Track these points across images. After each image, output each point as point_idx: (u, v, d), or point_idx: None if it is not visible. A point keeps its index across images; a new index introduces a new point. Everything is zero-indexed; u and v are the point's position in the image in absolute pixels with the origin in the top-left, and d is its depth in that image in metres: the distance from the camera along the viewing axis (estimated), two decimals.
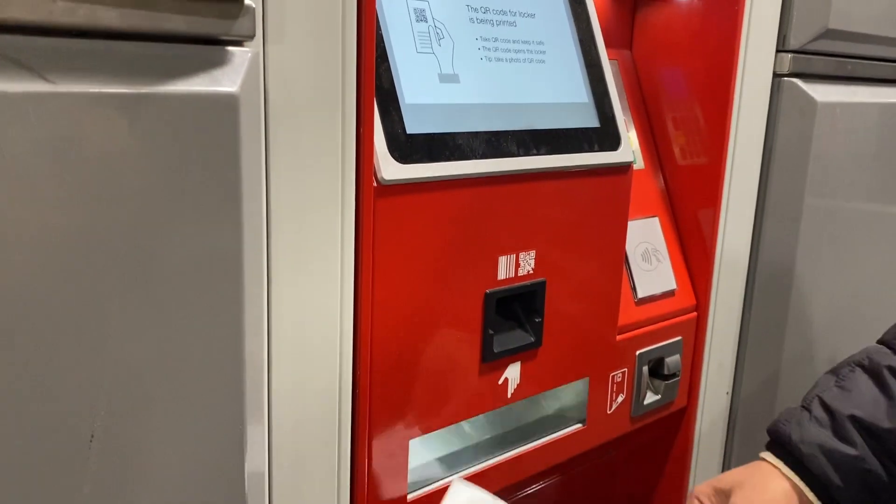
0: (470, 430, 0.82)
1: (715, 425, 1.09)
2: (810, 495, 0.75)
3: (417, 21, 0.68)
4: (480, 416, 0.77)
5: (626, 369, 0.92)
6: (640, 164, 1.00)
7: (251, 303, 0.51)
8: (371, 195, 0.60)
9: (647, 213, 0.98)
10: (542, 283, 0.77)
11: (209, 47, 0.47)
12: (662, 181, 1.03)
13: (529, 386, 0.80)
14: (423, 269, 0.66)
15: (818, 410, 0.77)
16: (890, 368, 0.77)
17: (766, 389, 1.11)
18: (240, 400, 0.52)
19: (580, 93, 0.80)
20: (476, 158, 0.68)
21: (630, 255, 0.93)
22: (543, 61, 0.77)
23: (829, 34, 1.04)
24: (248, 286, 0.51)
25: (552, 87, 0.78)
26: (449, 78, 0.69)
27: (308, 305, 0.58)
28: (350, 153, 0.58)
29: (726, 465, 1.12)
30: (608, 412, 0.91)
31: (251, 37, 0.48)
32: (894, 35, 1.15)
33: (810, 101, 1.02)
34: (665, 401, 0.99)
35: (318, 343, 0.59)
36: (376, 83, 0.61)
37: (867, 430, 0.74)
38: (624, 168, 0.83)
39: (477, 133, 0.69)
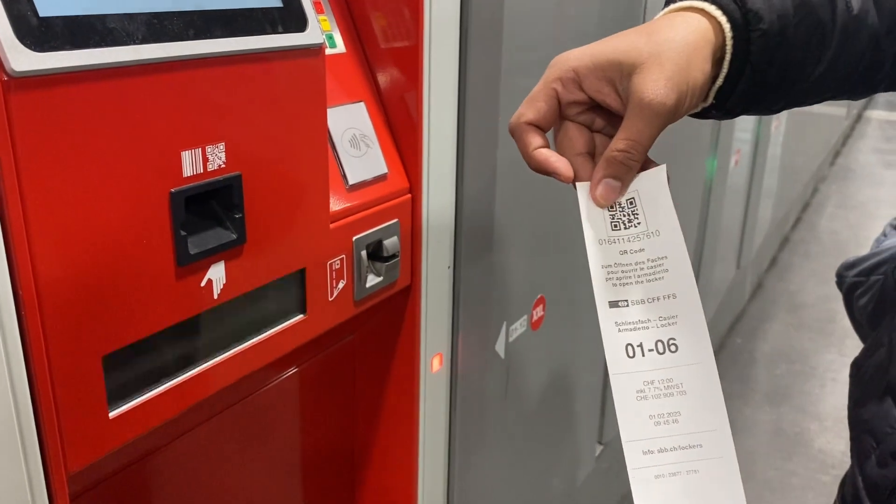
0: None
1: (440, 298, 1.15)
2: (728, 31, 0.59)
3: None
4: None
5: (343, 256, 0.93)
6: (340, 48, 0.98)
7: None
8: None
9: (352, 99, 0.98)
10: (238, 177, 0.74)
11: None
12: (366, 65, 1.02)
13: (238, 284, 0.78)
14: (85, 174, 0.60)
15: None
16: None
17: (484, 258, 1.19)
18: None
19: None
20: (135, 44, 0.62)
21: (337, 142, 0.93)
22: None
23: None
24: None
25: None
26: None
27: None
28: None
29: (454, 335, 1.20)
30: (330, 299, 0.92)
31: None
32: None
33: None
34: (388, 282, 1.02)
35: None
36: None
37: None
38: (314, 50, 0.80)
39: (134, 15, 0.62)
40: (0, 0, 0.53)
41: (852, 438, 0.80)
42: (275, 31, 0.75)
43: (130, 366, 0.69)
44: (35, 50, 0.54)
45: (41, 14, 0.55)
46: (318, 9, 0.97)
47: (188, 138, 0.68)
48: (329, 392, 1.13)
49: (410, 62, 1.00)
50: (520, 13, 1.13)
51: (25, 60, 0.54)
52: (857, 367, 0.86)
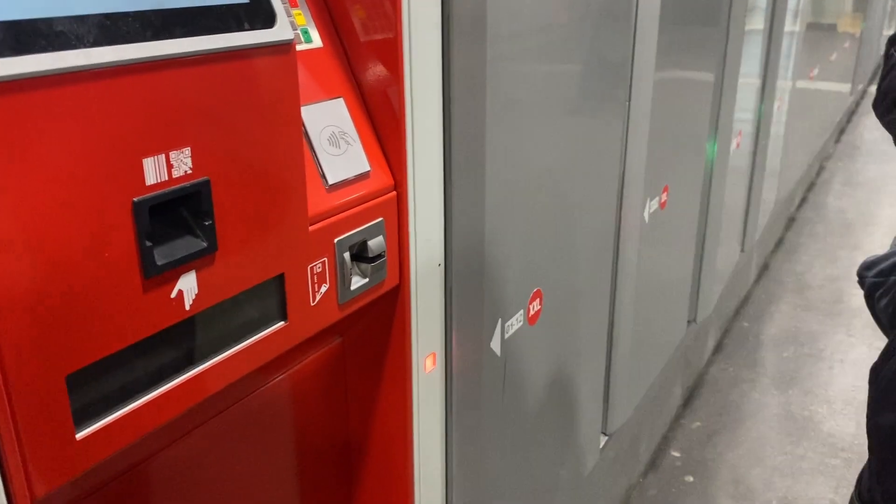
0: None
1: (432, 297, 1.12)
2: None
3: None
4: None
5: (325, 258, 0.90)
6: (316, 42, 0.95)
7: None
8: None
9: (330, 95, 0.94)
10: (206, 183, 0.71)
11: None
12: (346, 60, 0.99)
13: (211, 294, 0.75)
14: (41, 185, 0.57)
15: None
16: None
17: (476, 254, 1.16)
18: None
19: None
20: (86, 47, 0.58)
21: (314, 141, 0.89)
22: None
23: None
24: None
25: None
26: None
27: None
28: None
29: (448, 333, 1.17)
30: (312, 304, 0.89)
31: None
32: None
33: None
34: (374, 282, 0.99)
35: None
36: None
37: None
38: (283, 47, 0.77)
39: (84, 17, 0.59)
40: None
41: (870, 448, 0.77)
42: (240, 29, 0.72)
43: (98, 383, 0.66)
44: None
45: None
46: (293, 2, 0.94)
47: (149, 145, 0.65)
48: (320, 396, 1.11)
49: (391, 55, 0.96)
50: (504, 4, 1.09)
51: None
52: (875, 373, 0.83)
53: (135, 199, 0.64)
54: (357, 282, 0.96)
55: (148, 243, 0.66)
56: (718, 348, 3.24)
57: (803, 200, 4.98)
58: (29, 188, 0.57)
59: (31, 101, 0.56)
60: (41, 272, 0.58)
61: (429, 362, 1.14)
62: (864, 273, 1.05)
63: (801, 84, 3.67)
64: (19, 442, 0.59)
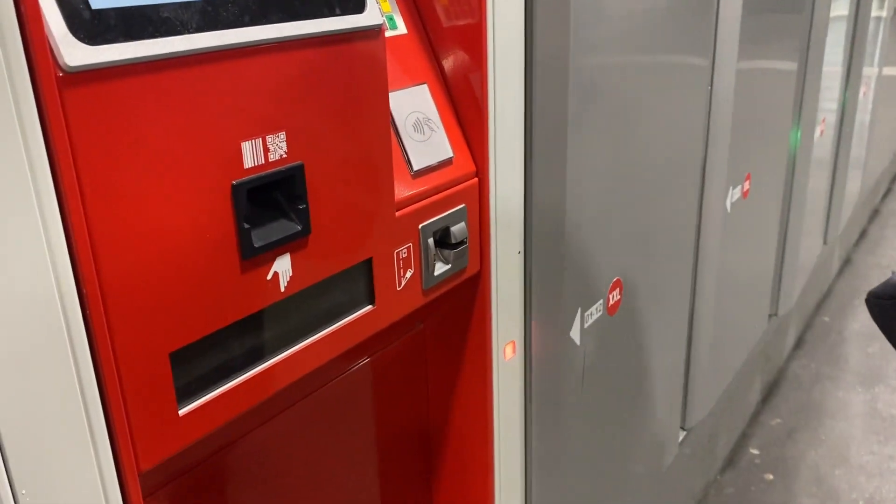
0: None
1: (511, 284, 1.12)
2: None
3: None
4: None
5: (410, 244, 0.90)
6: (401, 29, 0.95)
7: None
8: (54, 87, 0.51)
9: (414, 81, 0.94)
10: (300, 167, 0.72)
11: None
12: (429, 46, 0.99)
13: (305, 276, 0.76)
14: (144, 169, 0.59)
15: None
16: None
17: (556, 241, 1.15)
18: None
19: None
20: (190, 33, 0.60)
21: (400, 127, 0.90)
22: None
23: None
24: None
25: None
26: None
27: (2, 240, 0.50)
28: (14, 43, 0.49)
29: (527, 321, 1.16)
30: (398, 289, 0.90)
31: None
32: None
33: None
34: (456, 269, 0.99)
35: (27, 277, 0.52)
36: None
37: None
38: (373, 32, 0.77)
39: (188, 3, 0.60)
40: None
41: None
42: (332, 14, 0.73)
43: (198, 362, 0.68)
44: (88, 43, 0.53)
45: (94, 6, 0.54)
46: None
47: (248, 129, 0.66)
48: (400, 382, 1.12)
49: (474, 41, 0.96)
50: None
51: (79, 54, 0.52)
52: None
53: (234, 182, 0.66)
54: (440, 268, 0.96)
55: (246, 225, 0.67)
56: (799, 343, 3.13)
57: (888, 192, 4.77)
58: (136, 172, 0.59)
59: (141, 85, 0.57)
60: (148, 254, 0.60)
61: (508, 350, 1.14)
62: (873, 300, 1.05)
63: (887, 71, 3.51)
64: (128, 417, 0.61)
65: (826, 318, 3.33)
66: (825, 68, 2.38)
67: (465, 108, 0.99)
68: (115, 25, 0.55)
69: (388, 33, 0.93)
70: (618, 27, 1.19)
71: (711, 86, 1.61)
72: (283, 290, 0.74)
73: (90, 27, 0.53)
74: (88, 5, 0.54)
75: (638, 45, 1.26)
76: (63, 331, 0.55)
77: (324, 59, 0.73)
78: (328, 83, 0.74)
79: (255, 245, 0.69)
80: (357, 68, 0.77)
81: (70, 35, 0.52)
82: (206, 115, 0.63)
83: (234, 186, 0.66)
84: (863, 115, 3.19)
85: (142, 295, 0.61)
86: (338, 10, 0.74)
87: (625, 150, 1.27)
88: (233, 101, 0.65)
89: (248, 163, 0.67)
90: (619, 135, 1.24)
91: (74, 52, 0.52)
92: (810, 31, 2.22)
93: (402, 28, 0.95)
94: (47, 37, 0.51)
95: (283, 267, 0.73)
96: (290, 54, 0.69)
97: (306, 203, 0.73)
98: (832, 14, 2.37)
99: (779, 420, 2.66)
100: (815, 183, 2.64)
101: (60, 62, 0.52)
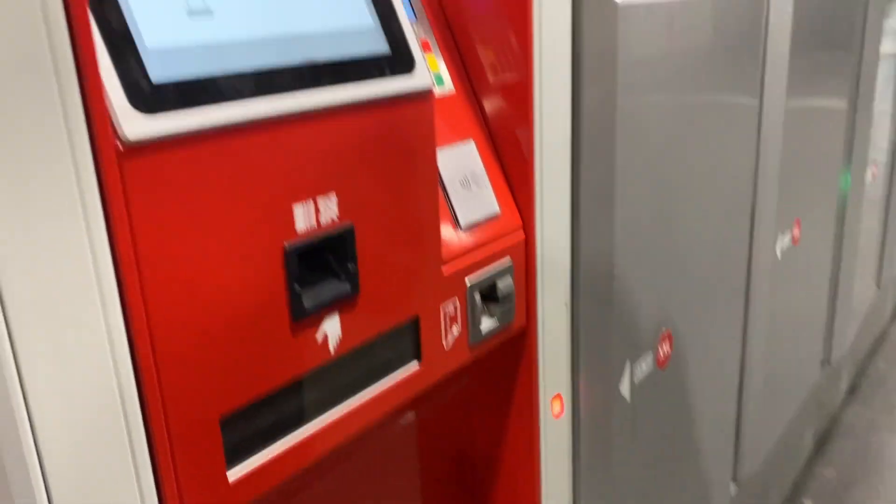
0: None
1: (559, 337, 1.10)
2: None
3: None
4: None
5: (457, 300, 0.90)
6: (448, 87, 0.96)
7: None
8: (114, 160, 0.52)
9: (461, 137, 0.95)
10: (350, 229, 0.72)
11: None
12: (476, 103, 0.99)
13: (353, 336, 0.76)
14: (199, 235, 0.60)
15: None
16: None
17: (604, 293, 1.13)
18: None
19: (363, 16, 0.74)
20: (245, 100, 0.61)
21: (447, 183, 0.90)
22: None
23: None
24: None
25: (331, 14, 0.71)
26: (200, 12, 0.60)
27: (61, 308, 0.50)
28: (76, 116, 0.50)
29: (574, 376, 1.14)
30: (445, 346, 0.89)
31: None
32: None
33: (611, 3, 1.01)
34: (503, 323, 0.98)
35: (81, 344, 0.52)
36: (101, 24, 0.53)
37: None
38: (423, 94, 0.78)
39: (243, 74, 0.61)
40: (114, 67, 0.53)
41: None
42: (382, 75, 0.73)
43: (247, 425, 0.68)
44: (147, 115, 0.54)
45: (153, 79, 0.55)
46: (425, 46, 0.95)
47: (300, 192, 0.67)
48: (445, 438, 1.10)
49: (520, 96, 0.96)
50: (634, 38, 1.07)
51: (139, 126, 0.54)
52: None
53: (286, 245, 0.66)
54: (487, 323, 0.95)
55: (297, 287, 0.68)
56: (853, 391, 3.03)
57: None
58: (190, 238, 0.59)
59: (197, 153, 0.58)
60: (201, 320, 0.61)
61: (556, 405, 1.12)
62: None
63: None
64: (178, 483, 0.61)
65: (881, 364, 3.22)
66: (876, 108, 2.34)
67: (511, 163, 0.99)
68: (172, 97, 0.56)
69: (436, 90, 0.94)
70: (663, 69, 1.18)
71: (759, 127, 1.59)
72: (332, 350, 0.73)
73: (150, 99, 0.55)
74: (149, 79, 0.55)
75: (684, 86, 1.25)
76: (117, 397, 0.55)
77: (374, 122, 0.73)
78: (378, 145, 0.74)
79: (306, 306, 0.69)
80: (407, 130, 0.77)
81: (130, 107, 0.53)
82: (260, 179, 0.63)
83: (286, 250, 0.66)
84: None
85: (194, 360, 0.61)
86: (387, 72, 0.74)
87: (672, 196, 1.25)
88: (285, 166, 0.65)
89: (300, 226, 0.67)
90: (665, 179, 1.22)
91: (134, 124, 0.53)
92: (860, 70, 2.19)
93: (448, 84, 0.96)
94: (108, 109, 0.53)
95: (332, 327, 0.73)
96: (342, 118, 0.70)
97: (356, 263, 0.73)
98: (883, 51, 2.33)
99: (833, 471, 2.56)
100: (868, 225, 2.57)
101: (120, 134, 0.53)
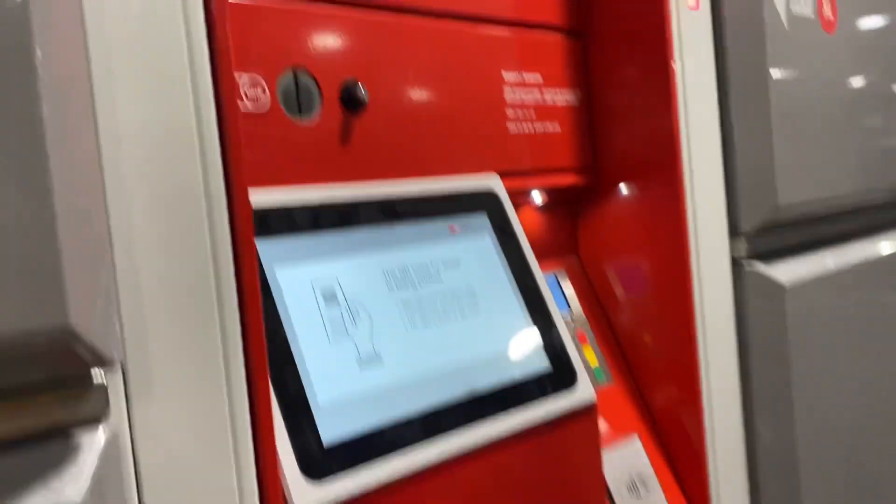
0: None
1: None
2: None
3: (327, 305, 0.61)
4: None
5: None
6: (608, 378, 0.92)
7: None
8: None
9: (625, 433, 0.89)
10: None
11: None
12: (636, 389, 0.95)
13: None
14: None
15: None
16: None
17: None
18: None
19: (524, 335, 0.73)
20: (410, 448, 0.60)
21: (614, 492, 0.83)
22: (477, 311, 0.71)
23: (780, 209, 0.99)
24: None
25: (491, 338, 0.71)
26: (370, 360, 0.62)
27: None
28: (250, 488, 0.50)
29: None
30: None
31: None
32: (844, 193, 1.11)
33: (776, 285, 0.96)
34: None
35: None
36: (279, 389, 0.54)
37: None
38: (587, 408, 0.75)
39: (409, 421, 0.61)
40: (288, 433, 0.54)
41: None
42: (544, 394, 0.71)
43: None
44: (317, 480, 0.54)
45: (325, 443, 0.55)
46: (581, 338, 0.93)
47: None
48: None
49: (686, 381, 0.91)
50: (802, 313, 1.01)
51: (309, 495, 0.53)
52: None
53: None
54: None
55: None
56: None
57: None
58: None
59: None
60: None
61: None
62: None
63: None
64: None
65: None
66: None
67: (679, 456, 0.92)
68: (342, 459, 0.56)
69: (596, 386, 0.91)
70: (834, 345, 1.09)
71: None
72: None
73: (319, 465, 0.54)
74: (320, 442, 0.55)
75: (861, 354, 1.15)
76: None
77: (538, 445, 0.70)
78: (543, 468, 0.70)
79: None
80: (571, 447, 0.73)
81: (300, 475, 0.53)
82: None
83: None
84: None
85: None
86: (549, 389, 0.72)
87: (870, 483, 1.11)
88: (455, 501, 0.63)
89: None
90: (840, 464, 1.09)
91: (303, 496, 0.53)
92: None
93: (608, 377, 0.93)
94: (281, 478, 0.53)
95: None
96: (508, 450, 0.67)
97: None
98: None
99: None
100: None
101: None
